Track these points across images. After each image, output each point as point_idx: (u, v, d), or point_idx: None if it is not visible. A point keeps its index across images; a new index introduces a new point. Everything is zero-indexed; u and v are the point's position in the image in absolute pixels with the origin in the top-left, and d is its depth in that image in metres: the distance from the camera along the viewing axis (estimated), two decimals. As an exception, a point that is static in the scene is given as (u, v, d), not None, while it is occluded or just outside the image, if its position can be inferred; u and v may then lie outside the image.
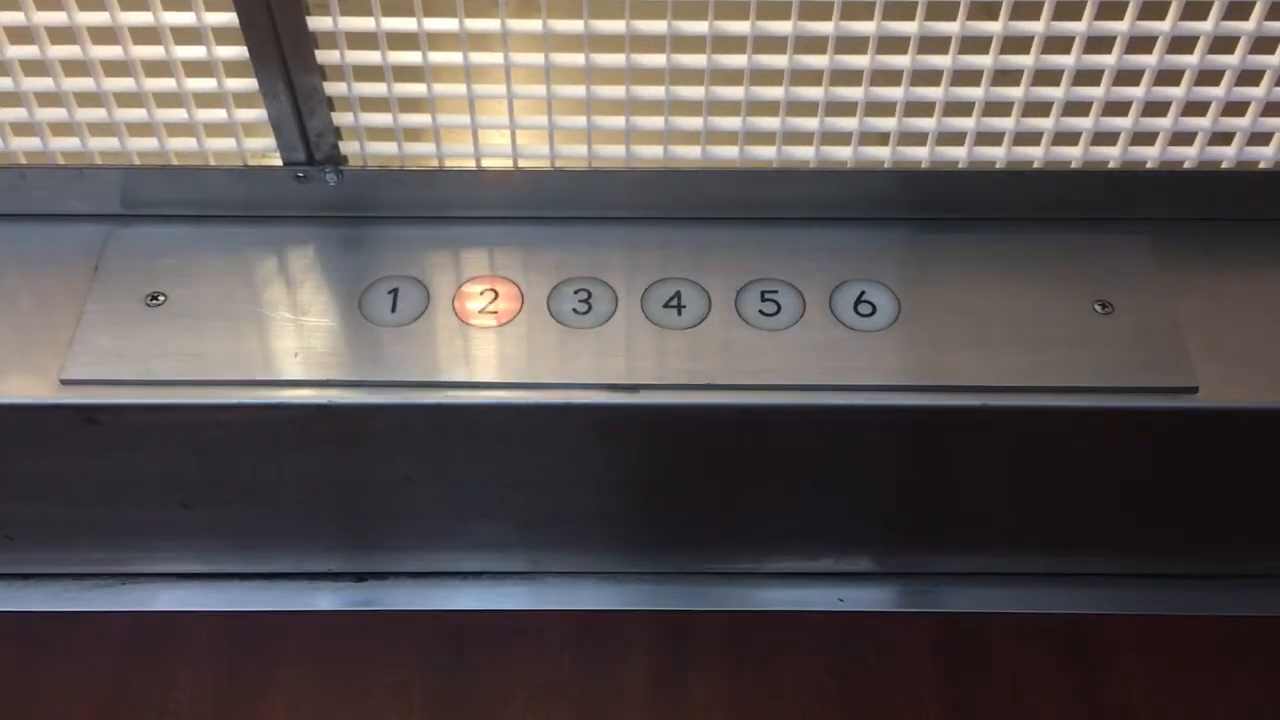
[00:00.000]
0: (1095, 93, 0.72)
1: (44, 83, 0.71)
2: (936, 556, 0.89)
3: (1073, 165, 0.76)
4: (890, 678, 0.84)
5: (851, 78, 0.71)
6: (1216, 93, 0.72)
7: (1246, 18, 0.68)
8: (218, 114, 0.73)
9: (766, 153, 0.75)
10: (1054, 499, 0.82)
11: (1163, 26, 0.68)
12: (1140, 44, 0.69)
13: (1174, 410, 0.71)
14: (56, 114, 0.73)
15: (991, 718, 0.82)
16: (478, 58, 0.70)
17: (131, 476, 0.79)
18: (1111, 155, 0.75)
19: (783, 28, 0.68)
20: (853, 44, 0.69)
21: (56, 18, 0.68)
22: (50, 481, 0.79)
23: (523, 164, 0.76)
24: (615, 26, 0.68)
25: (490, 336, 0.74)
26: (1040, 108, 0.73)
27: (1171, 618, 0.87)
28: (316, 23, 0.68)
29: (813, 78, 0.71)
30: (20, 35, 0.69)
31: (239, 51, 0.69)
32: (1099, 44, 0.69)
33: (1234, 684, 0.84)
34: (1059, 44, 0.69)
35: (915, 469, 0.79)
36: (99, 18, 0.67)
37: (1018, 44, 0.69)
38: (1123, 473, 0.79)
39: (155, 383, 0.71)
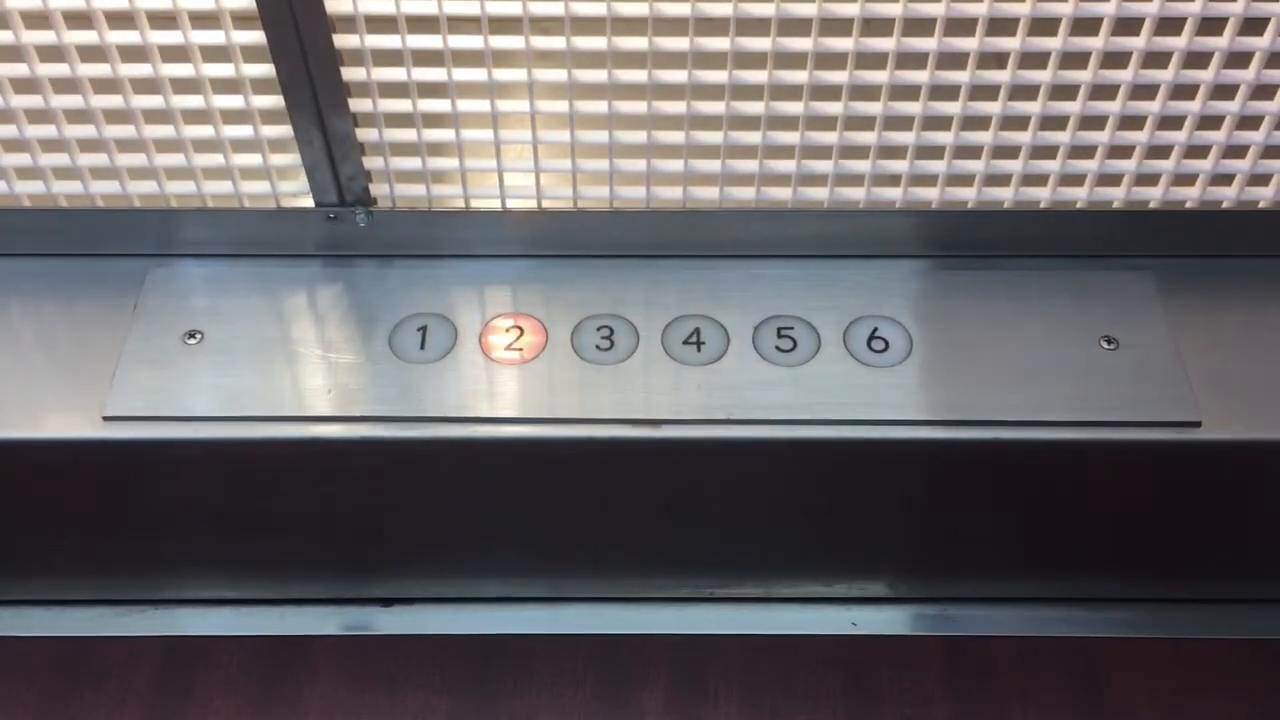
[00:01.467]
0: (1100, 137, 0.74)
1: (87, 130, 0.74)
2: (947, 582, 0.91)
3: (1078, 205, 0.78)
4: (902, 699, 0.86)
5: (864, 123, 0.73)
6: (1217, 136, 0.74)
7: (1246, 66, 0.70)
8: (253, 159, 0.76)
9: (782, 194, 0.78)
10: (1061, 527, 0.84)
11: (1165, 75, 0.70)
12: (1143, 91, 0.72)
13: (1178, 444, 0.74)
14: (98, 159, 0.76)
15: (1001, 739, 0.85)
16: (504, 105, 0.73)
17: (168, 507, 0.81)
18: (1116, 195, 0.78)
19: (798, 76, 0.70)
20: (866, 91, 0.72)
21: (100, 70, 0.70)
22: (89, 512, 0.82)
23: (547, 205, 0.79)
24: (637, 76, 0.70)
25: (515, 372, 0.76)
26: (1047, 150, 0.75)
27: (1176, 641, 0.89)
28: (350, 73, 0.71)
29: (827, 123, 0.73)
30: (65, 86, 0.71)
31: (275, 101, 0.72)
32: (1104, 91, 0.72)
33: (1237, 706, 0.86)
34: (1065, 91, 0.72)
35: (926, 499, 0.82)
36: (142, 70, 0.70)
37: (1026, 91, 0.72)
38: (1128, 503, 0.81)
39: (194, 419, 0.74)
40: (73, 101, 0.72)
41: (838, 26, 0.68)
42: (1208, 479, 0.78)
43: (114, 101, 0.72)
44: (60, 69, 0.70)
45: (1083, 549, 0.87)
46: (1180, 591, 0.91)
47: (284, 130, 0.74)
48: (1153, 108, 0.72)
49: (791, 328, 0.78)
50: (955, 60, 0.70)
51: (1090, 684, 0.87)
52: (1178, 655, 0.88)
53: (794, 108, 0.72)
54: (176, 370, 0.76)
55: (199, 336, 0.77)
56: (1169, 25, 0.68)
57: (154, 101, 0.72)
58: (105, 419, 0.74)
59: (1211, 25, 0.69)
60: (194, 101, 0.72)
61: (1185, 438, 0.74)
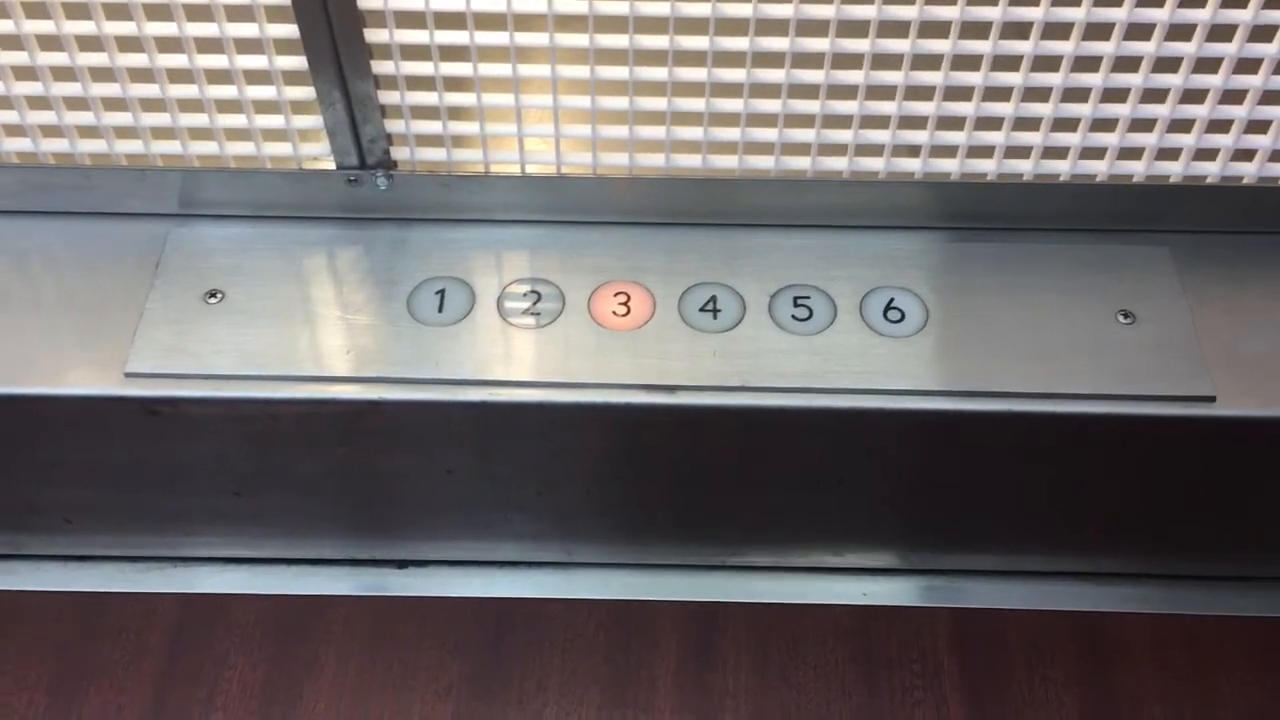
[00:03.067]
0: (1121, 110, 0.74)
1: (111, 89, 0.74)
2: (957, 554, 0.92)
3: (1098, 179, 0.78)
4: (910, 670, 0.87)
5: (885, 92, 0.73)
6: (1239, 111, 0.74)
7: (1270, 40, 0.70)
8: (275, 120, 0.76)
9: (801, 163, 0.78)
10: (1073, 501, 0.85)
11: (1188, 48, 0.70)
12: (1166, 64, 0.71)
13: (1192, 418, 0.74)
14: (122, 118, 0.76)
15: (1008, 710, 0.85)
16: (526, 70, 0.73)
17: (186, 465, 0.82)
18: (1136, 170, 0.78)
19: (820, 44, 0.70)
20: (887, 60, 0.72)
21: (125, 28, 0.71)
22: (109, 468, 0.83)
23: (566, 171, 0.79)
24: (659, 42, 0.71)
25: (532, 337, 0.77)
26: (1068, 123, 0.75)
27: (1185, 617, 0.89)
28: (373, 35, 0.71)
29: (848, 92, 0.73)
30: (89, 43, 0.72)
31: (298, 62, 0.72)
32: (1126, 63, 0.71)
33: (1244, 683, 0.87)
34: (1087, 63, 0.71)
35: (939, 470, 0.82)
36: (166, 28, 0.71)
37: (1047, 62, 0.71)
38: (1140, 477, 0.81)
39: (214, 377, 0.75)
40: (97, 59, 0.73)
41: (860, -6, 0.68)
42: (1221, 454, 0.78)
43: (138, 60, 0.72)
44: (85, 26, 0.71)
45: (1094, 523, 0.87)
46: (1191, 568, 0.91)
47: (306, 92, 0.74)
48: (1175, 81, 0.72)
49: (808, 297, 0.78)
50: (978, 30, 0.70)
51: (1100, 659, 0.87)
52: (1188, 631, 0.89)
53: (815, 76, 0.72)
54: (197, 329, 0.76)
55: (220, 296, 0.78)
56: (1193, -2, 0.68)
57: (178, 61, 0.72)
58: (126, 375, 0.75)
59: (1236, -1, 0.69)
60: (217, 61, 0.72)
61: (1199, 413, 0.74)
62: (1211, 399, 0.74)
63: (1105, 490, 0.83)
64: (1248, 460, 0.79)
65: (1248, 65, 0.71)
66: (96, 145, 0.78)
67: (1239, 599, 0.90)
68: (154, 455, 0.81)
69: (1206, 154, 0.77)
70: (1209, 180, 0.78)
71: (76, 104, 0.76)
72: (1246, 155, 0.77)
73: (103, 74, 0.73)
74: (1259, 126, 0.75)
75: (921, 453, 0.80)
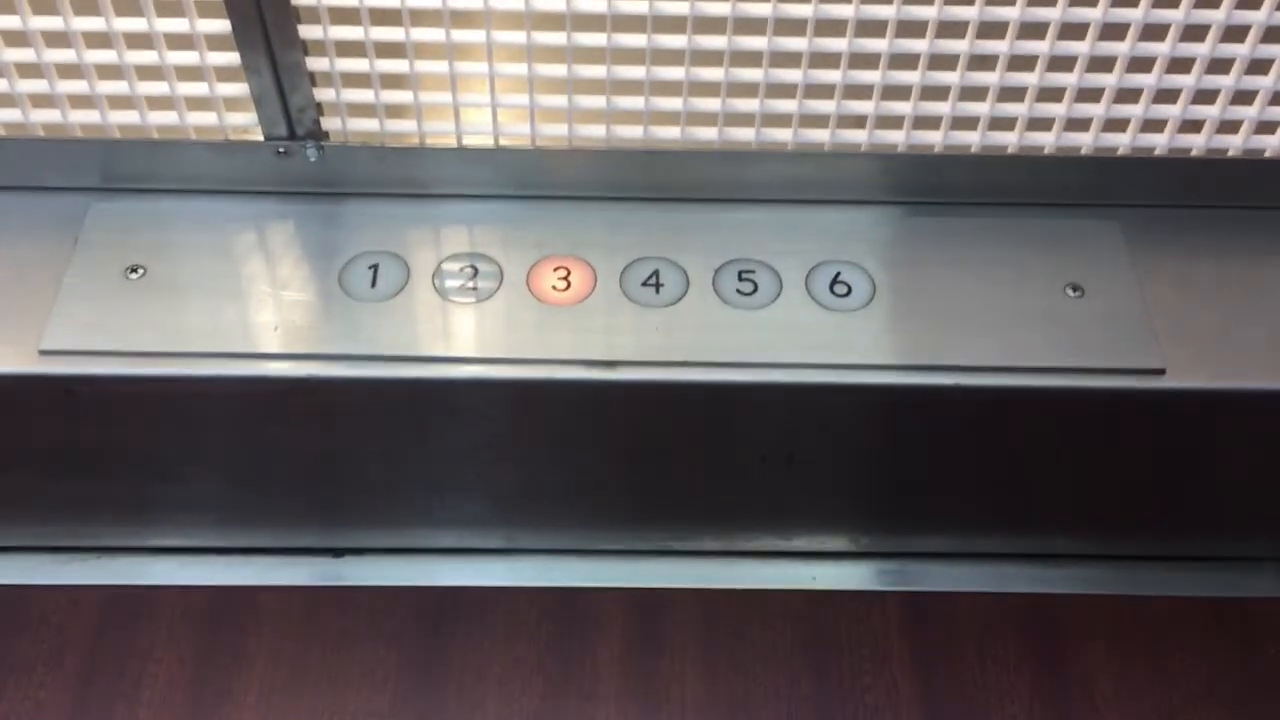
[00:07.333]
0: (1069, 79, 0.73)
1: (25, 54, 0.71)
2: (907, 536, 0.90)
3: (1046, 151, 0.77)
4: (860, 654, 0.85)
5: (830, 60, 0.72)
6: (1187, 81, 0.73)
7: (1217, 6, 0.69)
8: (199, 88, 0.73)
9: (745, 134, 0.76)
10: (1023, 479, 0.83)
11: (1135, 14, 0.69)
12: (1113, 31, 0.70)
13: (1141, 391, 0.73)
14: (37, 86, 0.73)
15: (959, 693, 0.84)
16: (460, 35, 0.70)
17: (108, 448, 0.79)
18: (1084, 141, 0.77)
19: (762, 9, 0.69)
20: (831, 27, 0.70)
21: (39, -12, 0.68)
22: (26, 453, 0.79)
23: (504, 142, 0.77)
24: (597, 5, 0.69)
25: (470, 312, 0.74)
26: (1015, 93, 0.74)
27: (1135, 598, 0.89)
28: (299, -3, 0.68)
29: (792, 60, 0.72)
30: (2, 5, 0.69)
31: (222, 25, 0.69)
32: (1073, 30, 0.70)
33: (1197, 664, 0.86)
34: (1034, 30, 0.70)
35: (887, 448, 0.81)
36: (82, -11, 0.68)
37: (993, 29, 0.70)
38: (1091, 452, 0.80)
39: (134, 354, 0.72)
40: (9, 22, 0.69)
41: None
42: (1170, 426, 0.78)
43: (52, 23, 0.69)
44: (-4, -14, 0.68)
45: (1044, 500, 0.86)
46: (1140, 548, 0.91)
47: (231, 57, 0.71)
48: (1122, 48, 0.71)
49: (753, 271, 0.76)
50: (922, -5, 0.68)
51: (1051, 640, 0.86)
52: (1138, 612, 0.88)
53: (758, 43, 0.71)
54: (117, 305, 0.73)
55: (141, 271, 0.75)
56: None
57: (94, 23, 0.69)
58: (42, 353, 0.71)
59: (1183, -35, 0.68)
60: (136, 24, 0.69)
61: (1149, 385, 0.73)
62: (1161, 371, 0.73)
63: (1055, 466, 0.82)
64: (1197, 433, 0.78)
65: (1194, 32, 0.70)
66: (11, 114, 0.75)
67: (1188, 580, 0.90)
68: (74, 438, 0.78)
69: (1154, 125, 0.76)
70: (1157, 152, 0.77)
71: (-11, 70, 0.72)
72: (1194, 126, 0.76)
73: (15, 38, 0.70)
74: (1206, 97, 0.74)
75: (868, 427, 0.78)
